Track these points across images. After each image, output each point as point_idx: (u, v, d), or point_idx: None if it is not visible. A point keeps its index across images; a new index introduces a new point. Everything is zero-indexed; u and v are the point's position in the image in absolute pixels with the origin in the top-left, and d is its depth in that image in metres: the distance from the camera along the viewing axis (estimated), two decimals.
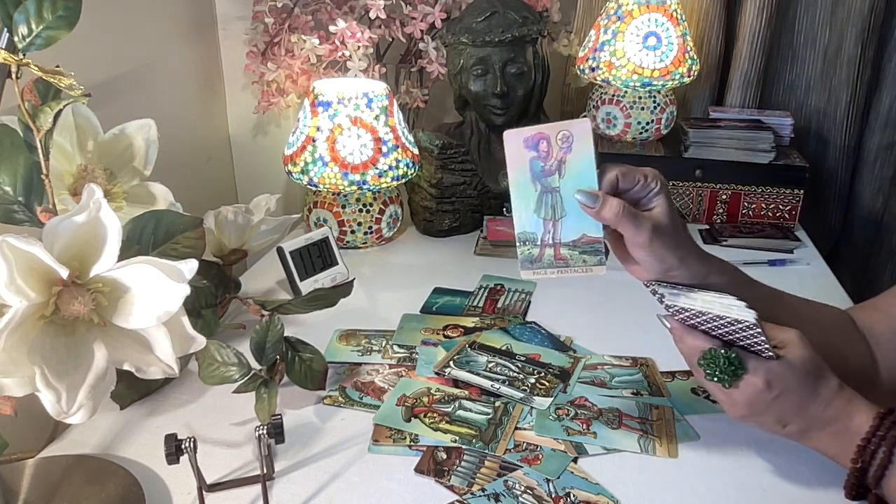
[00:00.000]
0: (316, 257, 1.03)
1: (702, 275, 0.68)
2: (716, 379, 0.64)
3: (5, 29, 0.59)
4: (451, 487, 0.68)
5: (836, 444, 0.63)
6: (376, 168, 1.09)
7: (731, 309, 0.63)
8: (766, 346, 0.63)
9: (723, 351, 0.64)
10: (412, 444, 0.73)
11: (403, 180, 1.13)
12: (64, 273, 0.54)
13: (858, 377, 0.71)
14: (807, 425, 0.64)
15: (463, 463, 0.71)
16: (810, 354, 0.63)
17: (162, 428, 0.75)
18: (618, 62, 1.27)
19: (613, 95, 1.34)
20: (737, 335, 0.64)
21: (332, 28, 1.20)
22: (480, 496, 0.66)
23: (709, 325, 0.65)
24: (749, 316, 0.62)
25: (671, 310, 0.67)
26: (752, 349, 0.64)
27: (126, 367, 0.58)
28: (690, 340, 0.66)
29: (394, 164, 1.10)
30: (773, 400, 0.63)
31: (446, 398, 0.80)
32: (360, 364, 0.87)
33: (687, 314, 0.66)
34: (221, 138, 1.39)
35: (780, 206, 1.24)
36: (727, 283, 0.68)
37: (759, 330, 0.61)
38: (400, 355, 0.88)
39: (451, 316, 0.98)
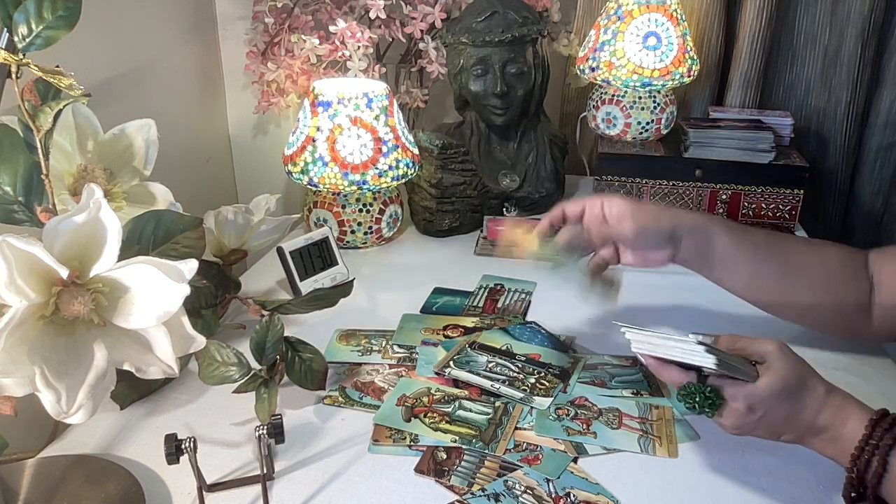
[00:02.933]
0: (316, 257, 1.03)
1: (701, 237, 0.80)
2: (696, 412, 0.66)
3: (5, 29, 0.59)
4: (451, 487, 0.68)
5: (832, 448, 0.64)
6: (376, 168, 1.09)
7: (693, 356, 0.64)
8: (740, 376, 0.64)
9: (698, 386, 0.65)
10: (412, 444, 0.73)
11: (403, 180, 1.13)
12: (64, 273, 0.54)
13: (852, 316, 0.81)
14: (800, 434, 0.65)
15: (463, 463, 0.71)
16: (790, 366, 0.64)
17: (162, 428, 0.75)
18: (618, 62, 1.27)
19: (613, 95, 1.34)
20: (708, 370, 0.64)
21: (332, 28, 1.20)
22: (480, 496, 0.66)
23: (677, 356, 0.65)
24: (709, 362, 0.62)
25: (639, 354, 0.68)
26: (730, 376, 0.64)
27: (126, 367, 0.59)
28: (667, 374, 0.67)
29: (394, 164, 1.10)
30: (759, 420, 0.64)
31: (446, 398, 0.80)
32: (360, 364, 0.87)
33: (658, 354, 0.66)
34: (221, 138, 1.39)
35: (780, 206, 1.24)
36: (725, 236, 0.78)
37: (723, 371, 0.62)
38: (400, 355, 0.88)
39: (451, 316, 0.98)
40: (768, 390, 0.63)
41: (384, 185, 1.11)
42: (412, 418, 0.77)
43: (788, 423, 0.65)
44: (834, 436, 0.63)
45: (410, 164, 1.13)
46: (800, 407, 0.64)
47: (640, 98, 1.32)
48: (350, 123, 1.08)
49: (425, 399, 0.80)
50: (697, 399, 0.65)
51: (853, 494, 0.62)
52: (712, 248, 0.83)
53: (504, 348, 0.89)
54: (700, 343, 0.65)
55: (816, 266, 0.83)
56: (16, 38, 0.59)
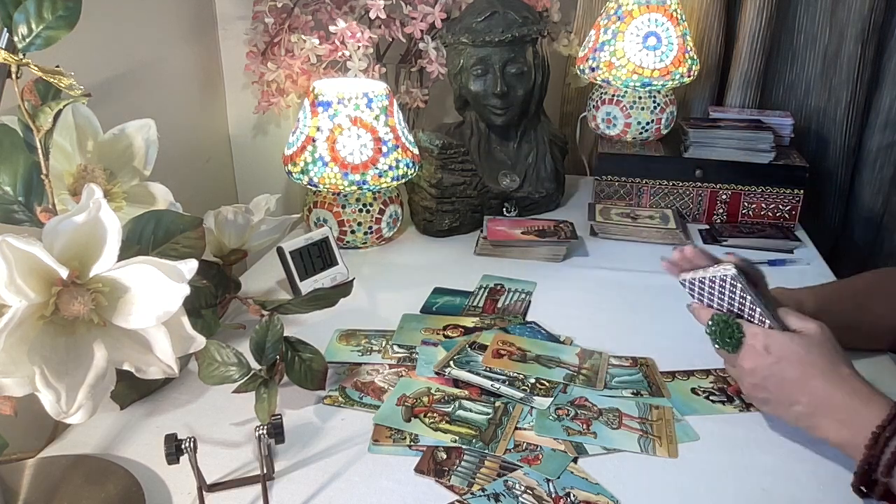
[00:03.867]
0: (316, 257, 1.03)
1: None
2: (717, 344, 0.73)
3: (5, 29, 0.59)
4: (451, 487, 0.68)
5: (844, 432, 0.64)
6: (376, 168, 1.09)
7: (718, 270, 0.71)
8: (763, 314, 0.69)
9: (724, 317, 0.71)
10: (412, 444, 0.73)
11: (403, 180, 1.13)
12: (64, 273, 0.54)
13: (891, 333, 0.84)
14: (813, 407, 0.66)
15: (463, 463, 0.71)
16: (822, 339, 0.67)
17: (162, 428, 0.75)
18: (618, 62, 1.27)
19: (613, 95, 1.34)
20: (738, 305, 0.71)
21: (332, 28, 1.20)
22: (480, 496, 0.66)
23: (716, 296, 0.73)
24: (729, 270, 0.70)
25: (686, 283, 0.77)
26: (756, 320, 0.71)
27: (126, 367, 0.59)
28: (703, 314, 0.75)
29: (394, 164, 1.10)
30: (773, 366, 0.68)
31: (446, 398, 0.80)
32: (360, 364, 0.87)
33: (698, 284, 0.75)
34: (221, 138, 1.39)
35: (780, 206, 1.24)
36: (816, 305, 0.80)
37: (743, 281, 0.69)
38: (400, 355, 0.88)
39: (451, 316, 0.98)
40: (790, 339, 0.67)
41: (384, 185, 1.11)
42: (412, 418, 0.77)
43: (802, 385, 0.66)
44: (848, 418, 0.63)
45: (410, 164, 1.13)
46: (815, 370, 0.66)
47: (640, 98, 1.32)
48: (350, 123, 1.08)
49: (425, 399, 0.80)
50: (722, 328, 0.71)
51: (862, 488, 0.63)
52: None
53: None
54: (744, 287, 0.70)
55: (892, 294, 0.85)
56: (16, 38, 0.59)
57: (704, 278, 0.73)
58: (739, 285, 0.69)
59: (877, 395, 0.64)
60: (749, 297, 0.69)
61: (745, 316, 0.72)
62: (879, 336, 0.86)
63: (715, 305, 0.75)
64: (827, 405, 0.65)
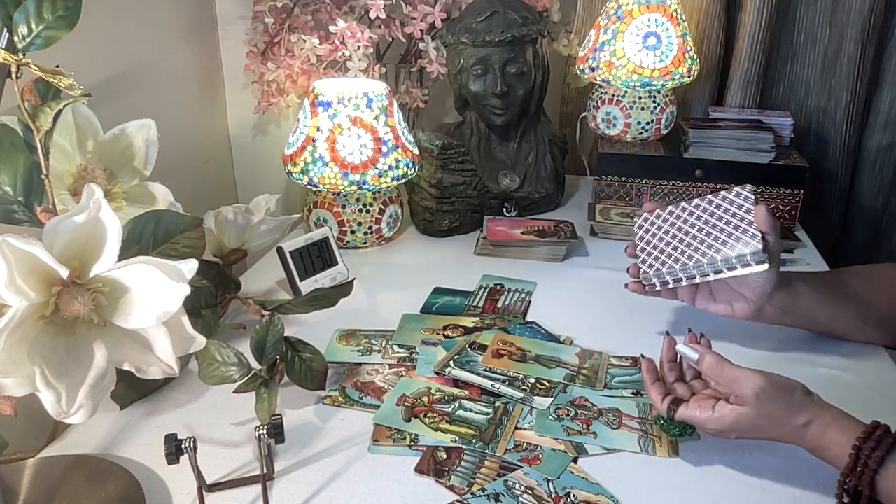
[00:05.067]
0: (316, 257, 1.03)
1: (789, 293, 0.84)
2: (676, 437, 0.74)
3: (5, 29, 0.59)
4: (451, 487, 0.68)
5: (827, 462, 0.66)
6: (376, 168, 1.09)
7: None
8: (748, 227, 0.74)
9: (667, 422, 0.72)
10: (412, 444, 0.73)
11: (403, 180, 1.13)
12: (64, 273, 0.54)
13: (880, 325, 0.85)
14: (796, 444, 0.68)
15: (463, 463, 0.71)
16: (759, 412, 0.66)
17: (162, 428, 0.75)
18: (618, 62, 1.27)
19: (613, 95, 1.34)
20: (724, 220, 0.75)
21: (332, 28, 1.20)
22: (480, 496, 0.66)
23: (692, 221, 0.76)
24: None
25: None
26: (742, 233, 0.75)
27: (126, 367, 0.59)
28: (657, 400, 0.73)
29: (394, 164, 1.10)
30: (739, 438, 0.69)
31: (446, 398, 0.80)
32: (360, 364, 0.87)
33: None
34: (221, 138, 1.39)
35: (780, 206, 1.24)
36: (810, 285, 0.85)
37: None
38: (400, 355, 0.88)
39: (451, 316, 0.98)
40: (733, 418, 0.67)
41: (384, 185, 1.11)
42: (412, 418, 0.77)
43: (774, 437, 0.68)
44: (823, 456, 0.66)
45: (410, 164, 1.13)
46: (778, 436, 0.67)
47: (640, 98, 1.32)
48: (350, 123, 1.08)
49: (425, 399, 0.80)
50: (673, 430, 0.73)
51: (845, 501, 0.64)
52: (795, 301, 0.86)
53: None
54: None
55: (883, 286, 0.87)
56: (16, 38, 0.59)
57: (647, 241, 0.75)
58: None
59: (837, 430, 0.65)
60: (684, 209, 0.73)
61: (704, 230, 0.74)
62: (868, 326, 0.87)
63: (685, 247, 0.75)
64: (805, 445, 0.67)
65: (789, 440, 0.67)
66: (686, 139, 1.27)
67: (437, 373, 0.84)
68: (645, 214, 0.87)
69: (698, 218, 0.79)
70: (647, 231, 0.81)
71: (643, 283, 0.86)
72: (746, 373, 0.67)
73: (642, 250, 0.85)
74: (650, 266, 0.81)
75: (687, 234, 0.79)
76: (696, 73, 1.32)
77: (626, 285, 0.88)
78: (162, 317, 0.57)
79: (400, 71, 1.38)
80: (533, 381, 0.83)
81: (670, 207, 0.82)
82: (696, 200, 0.83)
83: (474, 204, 1.22)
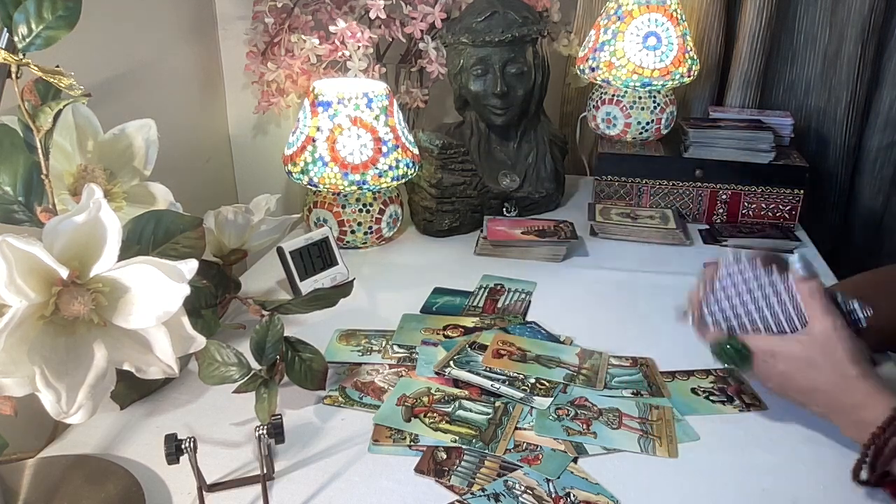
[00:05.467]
0: (316, 257, 1.03)
1: None
2: (726, 365, 0.75)
3: (5, 29, 0.59)
4: (451, 487, 0.68)
5: (854, 430, 0.66)
6: (376, 168, 1.09)
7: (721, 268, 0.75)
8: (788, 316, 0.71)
9: (723, 339, 0.73)
10: (412, 444, 0.73)
11: (403, 180, 1.13)
12: (64, 273, 0.54)
13: None
14: (825, 409, 0.68)
15: (463, 463, 0.71)
16: (826, 339, 0.67)
17: (162, 428, 0.75)
18: (618, 62, 1.27)
19: (613, 95, 1.34)
20: (759, 291, 0.73)
21: (332, 28, 1.20)
22: (480, 496, 0.66)
23: (736, 297, 0.74)
24: (728, 256, 0.73)
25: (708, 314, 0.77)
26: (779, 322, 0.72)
27: (126, 367, 0.59)
28: (708, 335, 0.76)
29: (394, 164, 1.10)
30: (782, 374, 0.70)
31: (446, 398, 0.80)
32: (360, 364, 0.87)
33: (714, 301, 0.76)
34: (221, 138, 1.39)
35: (780, 206, 1.24)
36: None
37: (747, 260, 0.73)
38: (400, 355, 0.88)
39: (451, 316, 0.98)
40: (792, 347, 0.68)
41: (384, 185, 1.11)
42: (412, 418, 0.77)
43: (810, 392, 0.68)
44: (857, 419, 0.65)
45: (410, 164, 1.13)
46: (821, 380, 0.67)
47: (640, 98, 1.32)
48: (350, 123, 1.08)
49: (425, 399, 0.80)
50: (723, 352, 0.74)
51: (861, 476, 0.64)
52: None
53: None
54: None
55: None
56: (16, 38, 0.59)
57: (718, 291, 0.74)
58: (743, 262, 0.72)
59: (883, 394, 0.65)
60: (758, 284, 0.72)
61: (761, 311, 0.73)
62: (890, 334, 0.86)
63: (742, 311, 0.74)
64: (836, 409, 0.67)
65: (829, 387, 0.66)
66: (686, 139, 1.27)
67: (437, 373, 0.84)
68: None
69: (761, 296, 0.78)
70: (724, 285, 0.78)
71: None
72: (831, 312, 0.69)
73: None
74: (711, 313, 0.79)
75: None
76: (696, 73, 1.32)
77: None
78: (162, 317, 0.57)
79: (400, 71, 1.38)
80: (533, 381, 0.83)
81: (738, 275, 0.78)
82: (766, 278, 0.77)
83: (474, 204, 1.22)
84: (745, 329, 0.74)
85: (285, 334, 0.77)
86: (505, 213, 1.26)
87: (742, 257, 0.74)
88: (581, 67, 1.35)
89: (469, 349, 0.89)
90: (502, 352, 0.88)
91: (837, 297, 0.72)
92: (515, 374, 0.84)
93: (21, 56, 0.59)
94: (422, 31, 1.26)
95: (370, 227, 1.16)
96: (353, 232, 1.16)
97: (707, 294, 0.76)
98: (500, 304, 1.01)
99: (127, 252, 0.58)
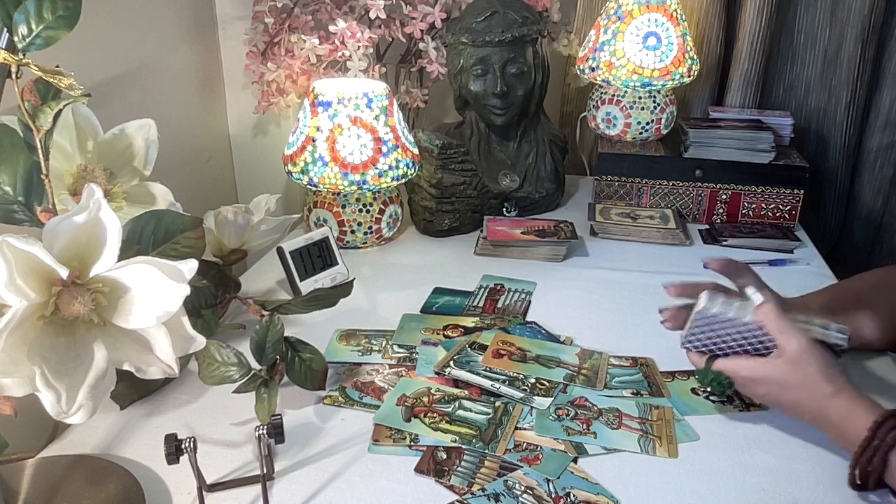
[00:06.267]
0: (316, 257, 1.03)
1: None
2: (710, 389, 0.77)
3: (5, 29, 0.59)
4: (451, 487, 0.68)
5: (842, 441, 0.68)
6: (376, 168, 1.09)
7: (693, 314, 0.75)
8: (746, 333, 0.73)
9: (702, 370, 0.75)
10: (412, 444, 0.73)
11: (403, 180, 1.13)
12: (64, 273, 0.54)
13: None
14: (813, 421, 0.69)
15: (463, 463, 0.71)
16: (798, 357, 0.69)
17: (162, 428, 0.75)
18: (618, 62, 1.27)
19: (613, 95, 1.34)
20: (729, 331, 0.74)
21: (332, 28, 1.20)
22: (480, 496, 0.66)
23: (714, 333, 0.75)
24: (700, 303, 0.74)
25: (687, 343, 0.78)
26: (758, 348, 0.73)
27: (126, 367, 0.58)
28: (696, 360, 0.77)
29: (394, 164, 1.10)
30: (766, 395, 0.71)
31: (446, 398, 0.80)
32: (360, 364, 0.87)
33: (695, 335, 0.76)
34: (221, 138, 1.39)
35: (780, 206, 1.24)
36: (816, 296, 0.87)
37: (716, 306, 0.73)
38: (400, 355, 0.88)
39: (451, 316, 0.98)
40: (769, 369, 0.69)
41: (384, 185, 1.11)
42: (412, 418, 0.77)
43: (796, 407, 0.70)
44: (842, 432, 0.67)
45: (410, 164, 1.13)
46: (803, 396, 0.68)
47: (640, 98, 1.32)
48: (350, 123, 1.08)
49: (425, 399, 0.80)
50: (706, 381, 0.75)
51: (858, 483, 0.65)
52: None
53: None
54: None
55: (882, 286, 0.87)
56: (16, 38, 0.59)
57: (693, 328, 0.75)
58: (713, 312, 0.73)
59: (859, 407, 0.66)
60: (729, 321, 0.73)
61: (736, 341, 0.74)
62: (889, 335, 0.86)
63: (720, 342, 0.75)
64: (821, 423, 0.69)
65: (811, 406, 0.68)
66: (686, 139, 1.27)
67: (437, 373, 0.84)
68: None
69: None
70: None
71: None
72: (796, 330, 0.69)
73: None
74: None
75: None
76: (696, 73, 1.32)
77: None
78: (162, 317, 0.57)
79: (400, 71, 1.38)
80: (533, 381, 0.83)
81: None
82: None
83: (474, 204, 1.22)
84: (725, 354, 0.75)
85: (285, 334, 0.77)
86: (505, 213, 1.26)
87: (704, 302, 0.74)
88: (581, 67, 1.35)
89: (469, 349, 0.89)
90: (502, 352, 0.88)
91: (815, 328, 0.73)
92: (515, 374, 0.84)
93: (21, 56, 0.59)
94: (422, 31, 1.26)
95: (370, 227, 1.16)
96: (353, 232, 1.16)
97: (686, 330, 0.77)
98: (500, 304, 1.01)
99: (127, 252, 0.58)
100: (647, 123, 1.32)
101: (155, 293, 0.57)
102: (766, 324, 0.71)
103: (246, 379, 0.74)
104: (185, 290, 0.56)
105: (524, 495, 0.67)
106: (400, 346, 0.90)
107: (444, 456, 0.72)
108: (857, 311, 0.85)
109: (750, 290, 0.76)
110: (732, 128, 1.26)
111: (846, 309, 0.85)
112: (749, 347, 0.73)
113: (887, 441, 0.63)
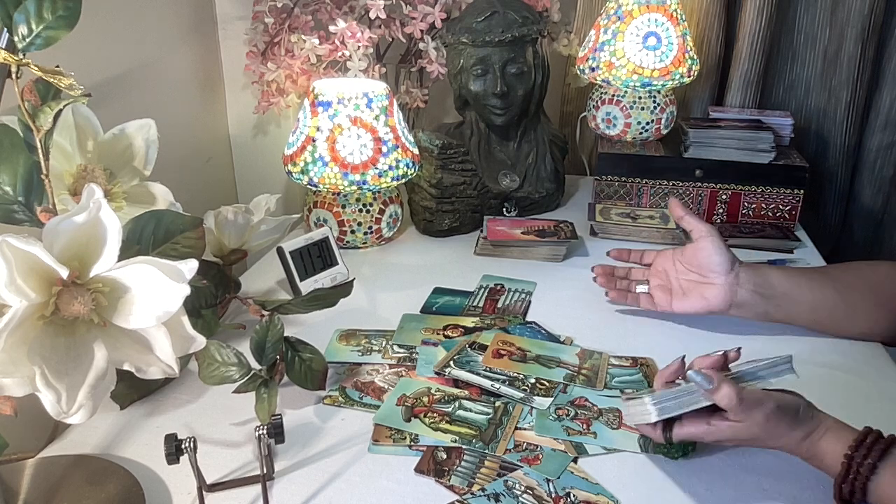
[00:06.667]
0: (316, 257, 1.03)
1: (757, 272, 0.89)
2: (677, 456, 0.72)
3: (5, 29, 0.59)
4: (451, 487, 0.68)
5: (824, 471, 0.67)
6: (376, 168, 1.09)
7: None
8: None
9: (664, 449, 0.72)
10: (412, 444, 0.73)
11: (403, 180, 1.13)
12: (64, 273, 0.54)
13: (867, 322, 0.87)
14: (791, 454, 0.67)
15: (463, 463, 0.71)
16: (763, 425, 0.65)
17: (162, 428, 0.75)
18: (618, 62, 1.27)
19: (613, 95, 1.34)
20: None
21: (332, 28, 1.20)
22: (480, 496, 0.66)
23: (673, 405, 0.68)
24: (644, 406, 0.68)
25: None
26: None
27: (126, 367, 0.58)
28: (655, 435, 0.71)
29: (394, 164, 1.10)
30: (737, 445, 0.69)
31: (446, 398, 0.80)
32: (360, 364, 0.87)
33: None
34: (221, 138, 1.39)
35: (780, 206, 1.24)
36: (778, 271, 0.89)
37: (662, 402, 0.67)
38: (400, 355, 0.88)
39: (451, 316, 0.98)
40: (731, 436, 0.66)
41: (384, 185, 1.11)
42: (412, 418, 0.77)
43: (776, 448, 0.68)
44: (818, 465, 0.66)
45: (410, 164, 1.13)
46: (776, 445, 0.67)
47: (640, 98, 1.32)
48: (350, 123, 1.08)
49: (425, 399, 0.80)
50: (675, 454, 0.72)
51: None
52: (770, 283, 0.88)
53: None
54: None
55: (872, 281, 0.88)
56: (16, 38, 0.59)
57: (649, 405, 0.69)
58: (660, 407, 0.67)
59: (830, 442, 0.65)
60: (682, 404, 0.67)
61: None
62: (857, 315, 0.88)
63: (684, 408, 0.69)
64: (802, 458, 0.67)
65: (786, 450, 0.67)
66: (686, 139, 1.27)
67: (437, 373, 0.84)
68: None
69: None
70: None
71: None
72: (753, 403, 0.65)
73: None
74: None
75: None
76: (696, 73, 1.32)
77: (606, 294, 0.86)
78: (162, 317, 0.57)
79: (400, 71, 1.38)
80: (533, 381, 0.83)
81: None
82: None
83: (474, 204, 1.22)
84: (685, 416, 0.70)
85: (285, 334, 0.77)
86: (505, 213, 1.26)
87: (648, 404, 0.69)
88: (581, 67, 1.35)
89: (469, 349, 0.89)
90: (502, 352, 0.88)
91: (764, 381, 0.69)
92: (515, 374, 0.84)
93: (21, 56, 0.59)
94: (422, 31, 1.26)
95: (370, 227, 1.16)
96: (353, 232, 1.16)
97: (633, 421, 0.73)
98: (500, 304, 1.01)
99: (127, 252, 0.58)
100: (647, 123, 1.32)
101: (155, 293, 0.57)
102: (729, 411, 0.66)
103: (246, 379, 0.74)
104: (186, 290, 0.56)
105: (524, 495, 0.67)
106: (400, 346, 0.90)
107: (444, 456, 0.72)
108: (833, 295, 0.88)
109: (691, 374, 0.67)
110: (732, 128, 1.26)
111: (820, 290, 0.88)
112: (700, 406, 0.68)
113: (862, 473, 0.62)
